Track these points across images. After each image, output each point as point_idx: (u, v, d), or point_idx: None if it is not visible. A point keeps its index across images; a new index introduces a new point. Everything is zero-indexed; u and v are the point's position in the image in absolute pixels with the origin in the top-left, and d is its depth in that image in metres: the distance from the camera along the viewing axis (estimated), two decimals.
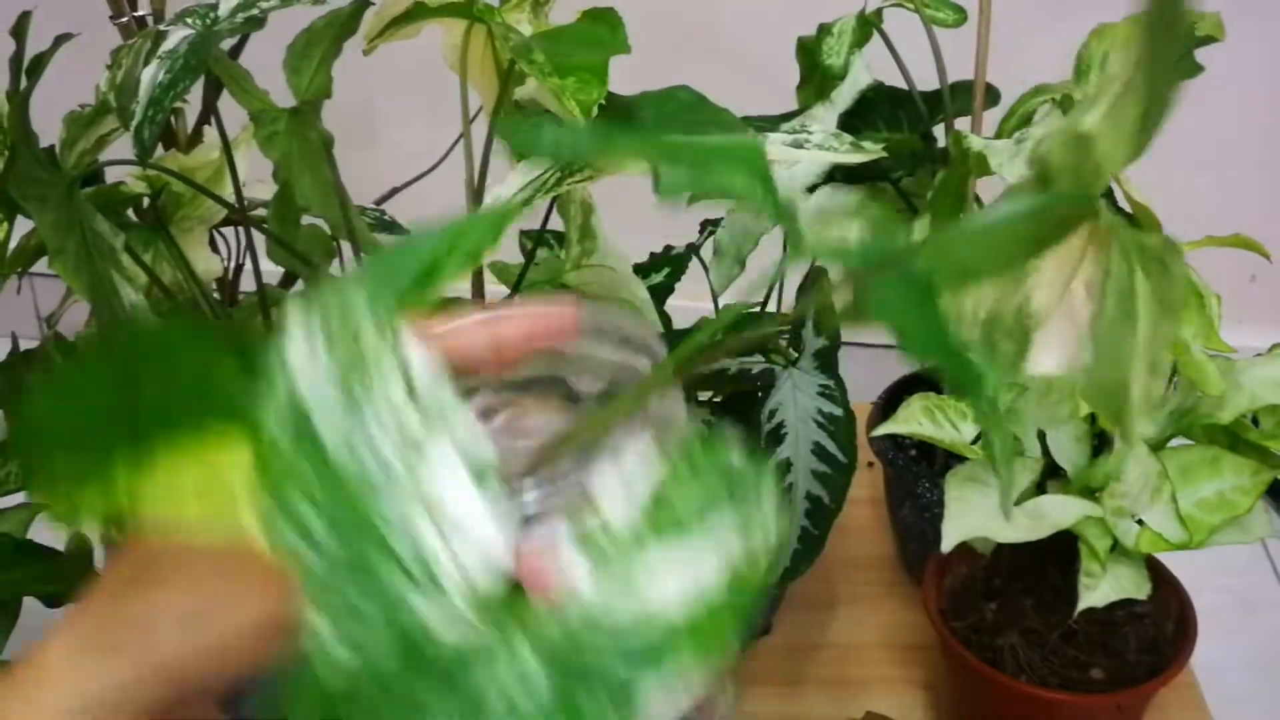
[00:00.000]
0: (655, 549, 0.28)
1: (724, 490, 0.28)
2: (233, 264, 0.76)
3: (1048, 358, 0.33)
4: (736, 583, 0.28)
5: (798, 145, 0.65)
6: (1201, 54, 0.73)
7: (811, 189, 0.72)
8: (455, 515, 0.27)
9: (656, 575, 0.27)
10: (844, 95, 0.77)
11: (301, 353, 0.28)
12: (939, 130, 0.78)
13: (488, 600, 0.27)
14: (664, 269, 0.82)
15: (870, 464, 0.98)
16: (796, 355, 0.74)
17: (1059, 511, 0.66)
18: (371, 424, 0.28)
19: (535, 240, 0.77)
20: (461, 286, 0.67)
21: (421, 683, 0.26)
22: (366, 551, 0.27)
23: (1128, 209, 0.72)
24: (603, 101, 0.52)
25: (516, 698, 0.26)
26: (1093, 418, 0.68)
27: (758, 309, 0.83)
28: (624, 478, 0.29)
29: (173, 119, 0.71)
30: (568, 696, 0.26)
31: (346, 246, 0.67)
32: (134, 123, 0.55)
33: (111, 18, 0.66)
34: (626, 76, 0.60)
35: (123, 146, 0.60)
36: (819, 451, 0.73)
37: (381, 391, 0.28)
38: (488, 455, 0.28)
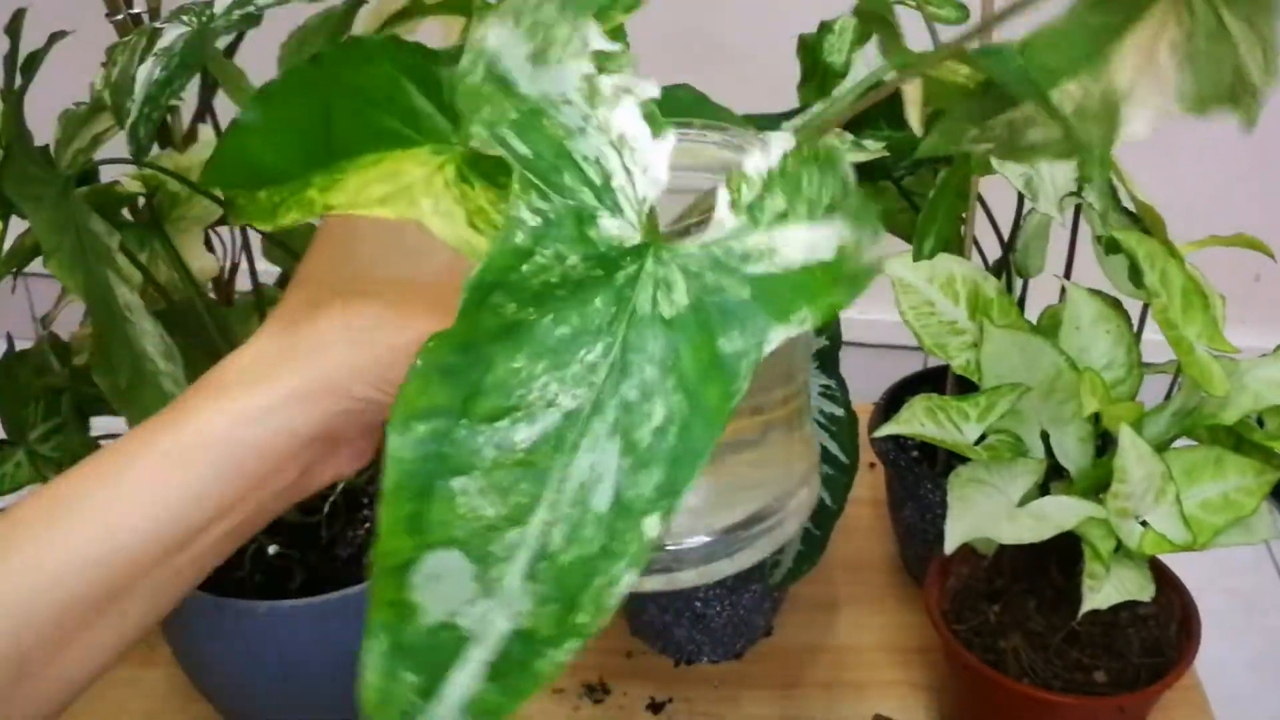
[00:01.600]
0: (788, 219, 0.32)
1: (839, 185, 0.34)
2: (229, 263, 0.75)
3: (1139, 124, 0.35)
4: (844, 259, 0.32)
5: None
6: None
7: None
8: (636, 150, 0.32)
9: (784, 236, 0.32)
10: (845, 93, 0.77)
11: (499, 36, 0.33)
12: None
13: (652, 221, 0.32)
14: None
15: (872, 465, 0.98)
16: None
17: (1062, 513, 0.65)
18: (564, 82, 0.33)
19: None
20: None
21: (589, 274, 0.30)
22: (561, 166, 0.32)
23: (1131, 208, 0.72)
24: None
25: (659, 298, 0.30)
26: (1096, 418, 0.67)
27: None
28: (766, 153, 0.34)
29: (169, 117, 0.71)
30: (700, 307, 0.30)
31: None
32: (129, 121, 0.55)
33: (107, 15, 0.66)
34: None
35: (118, 145, 0.60)
36: (821, 452, 0.72)
37: (574, 65, 0.33)
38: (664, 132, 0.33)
